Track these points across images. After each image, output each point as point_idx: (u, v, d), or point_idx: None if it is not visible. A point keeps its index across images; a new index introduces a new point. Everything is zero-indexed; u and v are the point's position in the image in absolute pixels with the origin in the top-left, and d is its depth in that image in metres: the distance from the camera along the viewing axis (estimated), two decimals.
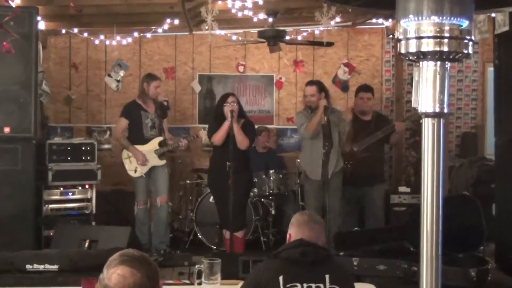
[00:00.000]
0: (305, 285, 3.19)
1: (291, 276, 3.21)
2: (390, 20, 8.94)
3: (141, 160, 7.93)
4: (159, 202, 8.05)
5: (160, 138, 8.07)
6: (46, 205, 7.76)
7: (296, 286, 3.19)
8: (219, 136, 7.24)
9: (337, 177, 7.54)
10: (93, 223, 7.95)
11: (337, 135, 7.48)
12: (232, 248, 7.10)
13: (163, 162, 8.05)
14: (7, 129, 6.95)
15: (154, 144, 8.02)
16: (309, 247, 3.32)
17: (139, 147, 7.99)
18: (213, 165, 7.61)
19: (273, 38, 7.66)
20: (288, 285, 3.19)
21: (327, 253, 3.43)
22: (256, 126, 7.99)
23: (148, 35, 9.26)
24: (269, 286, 3.21)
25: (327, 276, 3.23)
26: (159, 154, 8.00)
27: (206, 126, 8.08)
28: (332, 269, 3.29)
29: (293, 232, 3.48)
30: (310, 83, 7.80)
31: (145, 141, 8.03)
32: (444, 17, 1.72)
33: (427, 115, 1.82)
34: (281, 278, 3.20)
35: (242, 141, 7.21)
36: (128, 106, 8.22)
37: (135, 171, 8.01)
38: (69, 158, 7.98)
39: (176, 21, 8.28)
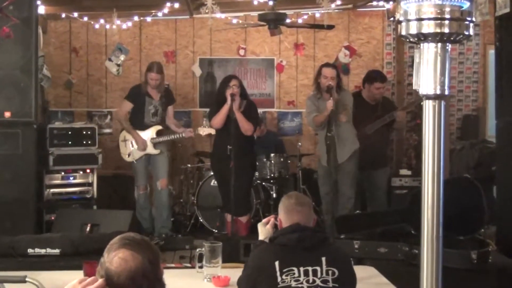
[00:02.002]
0: (301, 269, 3.19)
1: (287, 260, 3.21)
2: (390, 2, 8.91)
3: (141, 147, 7.92)
4: (159, 186, 8.04)
5: (159, 127, 8.04)
6: (48, 190, 7.79)
7: (293, 270, 3.18)
8: (217, 120, 7.24)
9: (350, 161, 7.47)
10: (95, 207, 7.98)
11: (348, 116, 7.45)
12: (236, 232, 7.12)
13: (157, 151, 8.00)
14: (7, 114, 6.94)
15: (152, 132, 8.00)
16: (306, 232, 3.31)
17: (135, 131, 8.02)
18: (215, 148, 7.61)
19: (273, 21, 7.62)
20: (284, 270, 3.18)
21: (324, 236, 3.43)
22: None
23: (148, 19, 9.24)
24: (265, 271, 3.21)
25: (323, 259, 3.22)
26: (155, 143, 7.98)
27: (207, 112, 8.06)
28: (329, 252, 3.29)
29: (283, 218, 3.47)
30: (329, 65, 7.64)
31: (144, 126, 8.02)
32: None
33: (428, 97, 1.81)
34: (277, 263, 3.19)
35: (245, 127, 7.20)
36: (134, 90, 8.23)
37: (128, 155, 8.02)
38: (70, 143, 7.99)
39: (176, 5, 8.27)
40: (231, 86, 7.17)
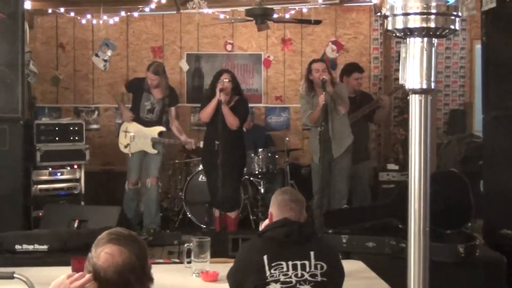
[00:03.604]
0: (290, 263, 3.20)
1: (275, 255, 3.22)
2: None
3: (127, 118, 8.04)
4: (149, 183, 8.07)
5: (161, 128, 8.08)
6: (35, 186, 7.76)
7: (281, 264, 3.19)
8: (205, 113, 7.23)
9: (345, 156, 7.51)
10: (82, 203, 7.95)
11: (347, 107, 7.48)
12: (225, 227, 7.13)
13: (154, 151, 8.04)
14: None
15: (154, 131, 8.03)
16: (294, 226, 3.33)
17: (139, 125, 8.09)
18: (204, 143, 7.60)
19: (260, 16, 7.63)
20: (273, 264, 3.19)
21: (312, 231, 3.45)
22: None
23: (135, 14, 9.22)
24: (254, 266, 3.22)
25: (311, 253, 3.24)
26: (154, 142, 7.99)
27: (192, 107, 8.05)
28: (317, 246, 3.30)
29: (274, 212, 3.48)
30: (317, 60, 7.75)
31: (139, 121, 8.08)
32: None
33: (414, 91, 1.82)
34: (265, 257, 3.20)
35: (231, 122, 7.19)
36: (134, 81, 8.45)
37: (125, 146, 8.03)
38: (57, 139, 7.96)
39: (163, 0, 8.25)
40: (222, 80, 7.16)
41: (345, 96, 7.49)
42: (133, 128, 8.04)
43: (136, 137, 8.00)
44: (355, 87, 8.13)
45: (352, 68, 8.29)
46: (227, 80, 7.19)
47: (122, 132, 8.17)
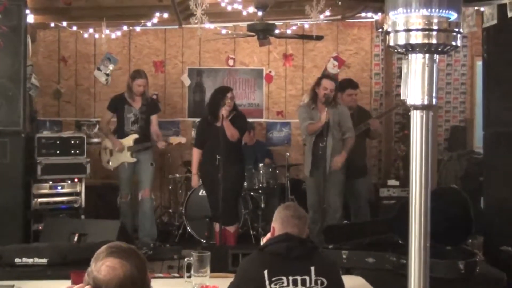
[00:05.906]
0: (290, 278, 3.20)
1: (276, 269, 3.22)
2: (379, 13, 8.95)
3: (116, 148, 8.08)
4: (140, 196, 8.12)
5: (135, 136, 8.11)
6: (35, 199, 7.74)
7: (282, 279, 3.19)
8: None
9: (337, 171, 7.49)
10: (82, 216, 7.93)
11: (339, 129, 7.50)
12: (224, 242, 7.12)
13: (133, 160, 8.08)
14: None
15: (129, 140, 8.10)
16: (295, 241, 3.33)
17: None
18: (204, 158, 7.61)
19: (262, 32, 7.64)
20: (273, 279, 3.19)
21: (313, 246, 3.45)
22: None
23: (138, 28, 9.26)
24: (254, 280, 3.22)
25: (312, 268, 3.24)
26: (132, 151, 8.04)
27: (193, 121, 8.06)
28: (317, 261, 3.30)
29: (277, 227, 3.49)
30: (329, 78, 7.77)
31: (124, 135, 8.14)
32: (433, 10, 1.73)
33: (416, 107, 1.82)
34: (265, 272, 3.20)
35: (232, 133, 7.23)
36: (114, 99, 8.37)
37: (108, 162, 8.13)
38: (58, 152, 7.95)
39: (166, 15, 8.28)
40: (228, 98, 7.18)
41: (348, 123, 7.59)
42: (110, 143, 8.18)
43: (114, 151, 8.12)
44: (349, 103, 8.11)
45: (345, 84, 8.26)
46: (233, 98, 7.28)
47: (102, 150, 8.36)
